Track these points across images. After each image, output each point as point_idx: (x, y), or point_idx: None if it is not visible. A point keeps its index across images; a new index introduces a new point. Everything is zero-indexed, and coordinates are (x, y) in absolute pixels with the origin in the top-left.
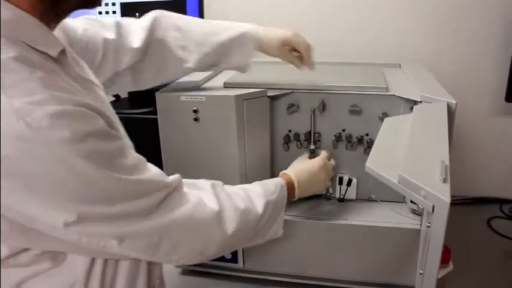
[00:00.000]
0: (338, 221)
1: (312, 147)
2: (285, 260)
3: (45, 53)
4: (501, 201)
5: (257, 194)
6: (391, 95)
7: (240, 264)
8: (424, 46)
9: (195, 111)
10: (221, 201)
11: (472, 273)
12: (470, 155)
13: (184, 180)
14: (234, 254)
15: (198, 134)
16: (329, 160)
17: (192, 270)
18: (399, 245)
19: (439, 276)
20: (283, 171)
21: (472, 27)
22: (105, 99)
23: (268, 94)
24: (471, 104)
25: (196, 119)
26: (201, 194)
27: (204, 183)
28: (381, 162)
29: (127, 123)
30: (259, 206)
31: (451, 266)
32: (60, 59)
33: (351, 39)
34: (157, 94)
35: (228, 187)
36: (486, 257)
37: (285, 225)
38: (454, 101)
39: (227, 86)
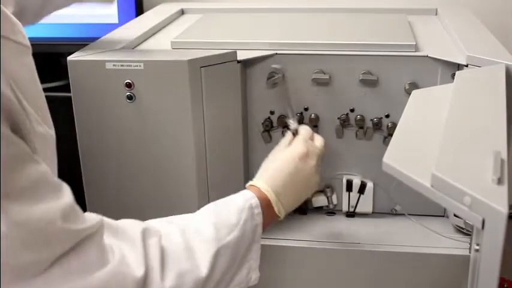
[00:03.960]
0: (347, 245)
1: (293, 126)
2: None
3: None
4: None
5: (204, 240)
6: (423, 56)
7: None
8: None
9: (129, 86)
10: (149, 263)
11: None
12: None
13: (106, 221)
14: None
15: (134, 119)
16: (312, 140)
17: None
18: (440, 279)
19: None
20: (251, 182)
21: None
22: (33, 68)
23: (239, 58)
24: None
25: (130, 97)
26: (126, 250)
27: (134, 229)
28: (405, 156)
29: None
30: (203, 265)
31: None
32: None
33: None
34: (70, 60)
35: (166, 233)
36: None
37: (271, 253)
38: None
39: (176, 46)
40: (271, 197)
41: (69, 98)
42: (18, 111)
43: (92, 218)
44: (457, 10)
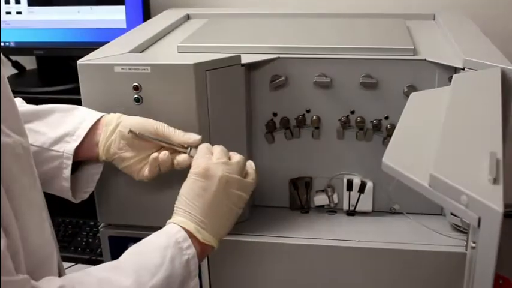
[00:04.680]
0: (347, 242)
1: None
2: None
3: None
4: None
5: None
6: (421, 59)
7: None
8: None
9: (137, 88)
10: None
11: None
12: None
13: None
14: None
15: None
16: (229, 159)
17: None
18: (437, 275)
19: None
20: (169, 221)
21: None
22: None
23: (243, 62)
24: None
25: (138, 100)
26: None
27: None
28: (404, 156)
29: None
30: None
31: None
32: None
33: None
34: (80, 63)
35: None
36: None
37: (274, 250)
38: (510, 66)
39: (183, 50)
40: (190, 226)
41: (79, 100)
42: None
43: (15, 279)
44: (454, 15)
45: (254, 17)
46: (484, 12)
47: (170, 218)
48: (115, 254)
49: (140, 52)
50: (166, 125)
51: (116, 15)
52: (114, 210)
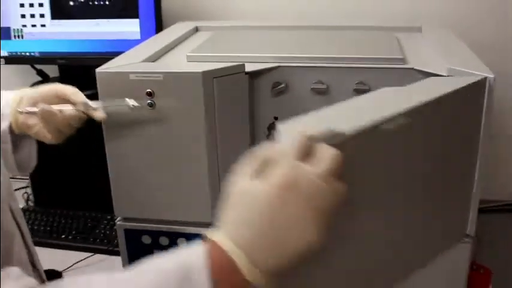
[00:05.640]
0: None
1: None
2: None
3: None
4: None
5: None
6: (409, 68)
7: None
8: (452, 4)
9: (150, 94)
10: None
11: None
12: (507, 148)
13: None
14: None
15: (154, 124)
16: (305, 162)
17: None
18: None
19: None
20: (209, 232)
21: None
22: None
23: (247, 70)
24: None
25: (151, 105)
26: None
27: None
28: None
29: None
30: None
31: None
32: None
33: None
34: (99, 72)
35: None
36: None
37: None
38: (491, 75)
39: (192, 59)
40: (237, 258)
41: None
42: None
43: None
44: (439, 28)
45: (257, 29)
46: (465, 25)
47: (182, 212)
48: (130, 246)
49: (153, 61)
50: (60, 85)
51: (131, 27)
52: (129, 205)
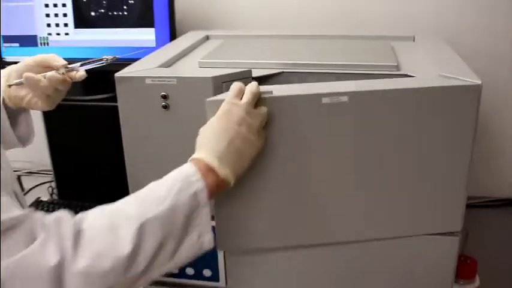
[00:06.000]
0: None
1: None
2: (280, 277)
3: None
4: None
5: (127, 217)
6: (403, 74)
7: (221, 283)
8: (441, 14)
9: (164, 97)
10: (63, 248)
11: None
12: (499, 146)
13: (36, 215)
14: (215, 271)
15: (169, 124)
16: (240, 97)
17: None
18: None
19: None
20: (193, 156)
21: None
22: None
23: (254, 75)
24: (499, 84)
25: (165, 106)
26: (41, 238)
27: (50, 218)
28: None
29: (80, 112)
30: (126, 241)
31: (477, 282)
32: None
33: (354, 7)
34: (117, 76)
35: (90, 216)
36: None
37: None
38: (478, 82)
39: (203, 65)
40: (210, 161)
41: (116, 107)
42: None
43: (15, 211)
44: (431, 37)
45: (262, 38)
46: (455, 34)
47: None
48: None
49: (167, 67)
50: (43, 54)
51: (147, 36)
52: None
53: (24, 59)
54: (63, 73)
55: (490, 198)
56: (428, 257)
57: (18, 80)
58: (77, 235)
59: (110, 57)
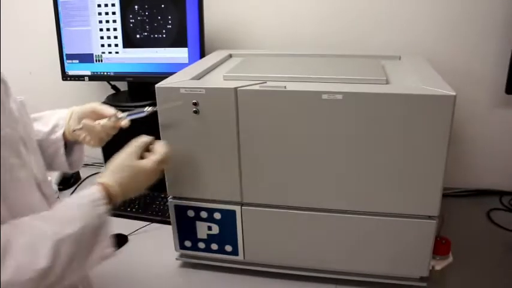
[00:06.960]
0: (342, 213)
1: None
2: (287, 252)
3: None
4: (501, 193)
5: (46, 236)
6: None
7: (240, 257)
8: (423, 38)
9: (195, 104)
10: None
11: (472, 265)
12: (470, 147)
13: None
14: (235, 246)
15: (198, 126)
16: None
17: (192, 263)
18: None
19: (439, 268)
20: (100, 179)
21: (472, 17)
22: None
23: (266, 87)
24: (471, 96)
25: (196, 112)
26: None
27: None
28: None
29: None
30: (42, 256)
31: (450, 258)
32: None
33: (349, 30)
34: (157, 87)
35: (16, 231)
36: (486, 249)
37: (284, 215)
38: (453, 93)
39: (227, 78)
40: (115, 188)
41: (155, 113)
42: None
43: None
44: (414, 57)
45: (276, 56)
46: (434, 55)
47: (220, 191)
48: (178, 217)
49: (198, 79)
50: (98, 103)
51: (181, 54)
52: (178, 187)
53: (84, 105)
54: (113, 121)
55: (461, 189)
56: (411, 236)
57: (79, 126)
58: (4, 251)
59: (150, 109)
